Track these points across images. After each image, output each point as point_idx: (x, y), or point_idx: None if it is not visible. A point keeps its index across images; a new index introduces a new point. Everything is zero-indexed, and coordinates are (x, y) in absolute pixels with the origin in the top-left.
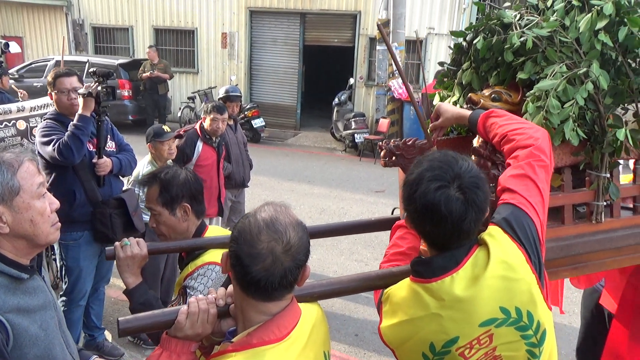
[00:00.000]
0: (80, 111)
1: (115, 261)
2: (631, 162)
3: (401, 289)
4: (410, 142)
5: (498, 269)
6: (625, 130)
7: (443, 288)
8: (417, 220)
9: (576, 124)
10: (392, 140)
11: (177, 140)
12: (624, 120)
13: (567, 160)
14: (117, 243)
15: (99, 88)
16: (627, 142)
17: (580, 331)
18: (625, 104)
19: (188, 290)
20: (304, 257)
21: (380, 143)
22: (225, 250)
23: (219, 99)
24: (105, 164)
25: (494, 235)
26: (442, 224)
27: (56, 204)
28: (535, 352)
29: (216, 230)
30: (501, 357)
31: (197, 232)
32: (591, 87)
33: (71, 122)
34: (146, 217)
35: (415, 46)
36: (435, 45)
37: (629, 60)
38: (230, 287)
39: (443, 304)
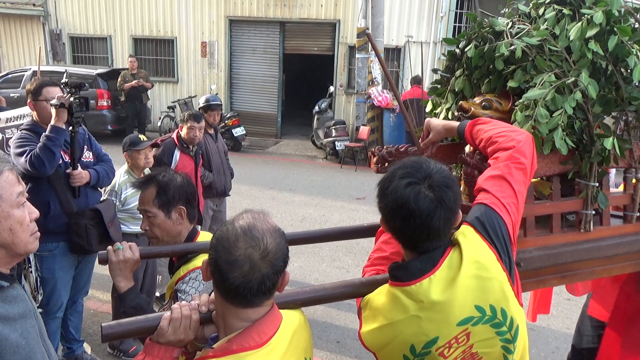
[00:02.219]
0: (52, 122)
1: (97, 266)
2: None
3: (380, 294)
4: (403, 148)
5: (471, 269)
6: (613, 140)
7: (421, 290)
8: (388, 216)
9: (565, 133)
10: (384, 147)
11: (153, 149)
12: (612, 129)
13: (555, 169)
14: (109, 247)
15: (72, 99)
16: (614, 151)
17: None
18: (615, 113)
19: (179, 294)
20: (282, 264)
21: (373, 150)
22: (206, 258)
23: (199, 108)
24: (80, 175)
25: (466, 235)
26: (410, 220)
27: (35, 213)
28: (509, 347)
29: (208, 235)
30: (478, 354)
31: (189, 237)
32: (580, 96)
33: (43, 134)
34: (124, 227)
35: (393, 54)
36: (413, 53)
37: (621, 69)
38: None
39: (422, 305)
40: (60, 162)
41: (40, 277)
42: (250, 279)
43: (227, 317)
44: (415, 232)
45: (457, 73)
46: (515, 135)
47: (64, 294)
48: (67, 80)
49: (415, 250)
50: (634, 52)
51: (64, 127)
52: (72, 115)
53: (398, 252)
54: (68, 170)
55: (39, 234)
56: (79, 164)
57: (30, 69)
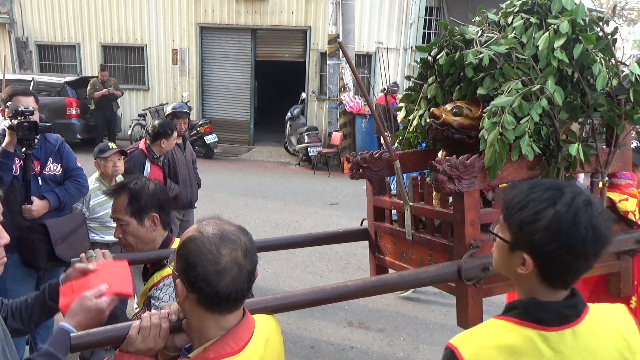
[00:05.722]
0: (3, 145)
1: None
2: None
3: (506, 334)
4: (377, 154)
5: (616, 342)
6: (578, 146)
7: (563, 341)
8: (568, 250)
9: (532, 139)
10: (359, 153)
11: (123, 157)
12: (578, 135)
13: (523, 174)
14: (82, 254)
15: (14, 122)
16: (580, 156)
17: None
18: (582, 120)
19: (152, 301)
20: (257, 257)
21: (347, 156)
22: (177, 279)
23: (166, 116)
24: (30, 211)
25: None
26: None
27: (5, 239)
28: None
29: None
30: None
31: (164, 244)
32: (546, 103)
33: None
34: (95, 236)
35: (364, 60)
36: (384, 59)
37: (587, 76)
38: None
39: (561, 357)
40: (18, 173)
41: None
42: (239, 281)
43: (206, 327)
44: (588, 261)
45: (430, 80)
46: None
47: None
48: (18, 107)
49: (563, 287)
50: (598, 60)
51: (13, 150)
52: (20, 139)
53: None
54: (23, 206)
55: (5, 259)
56: (34, 197)
57: None
